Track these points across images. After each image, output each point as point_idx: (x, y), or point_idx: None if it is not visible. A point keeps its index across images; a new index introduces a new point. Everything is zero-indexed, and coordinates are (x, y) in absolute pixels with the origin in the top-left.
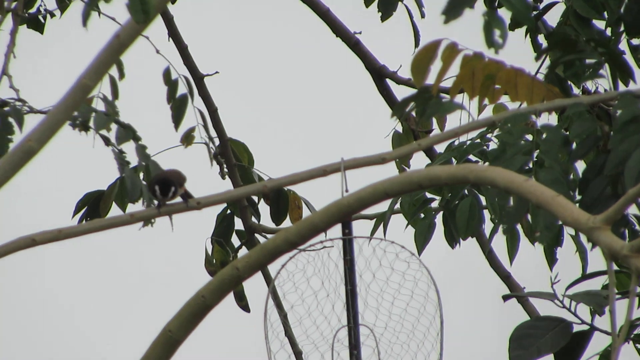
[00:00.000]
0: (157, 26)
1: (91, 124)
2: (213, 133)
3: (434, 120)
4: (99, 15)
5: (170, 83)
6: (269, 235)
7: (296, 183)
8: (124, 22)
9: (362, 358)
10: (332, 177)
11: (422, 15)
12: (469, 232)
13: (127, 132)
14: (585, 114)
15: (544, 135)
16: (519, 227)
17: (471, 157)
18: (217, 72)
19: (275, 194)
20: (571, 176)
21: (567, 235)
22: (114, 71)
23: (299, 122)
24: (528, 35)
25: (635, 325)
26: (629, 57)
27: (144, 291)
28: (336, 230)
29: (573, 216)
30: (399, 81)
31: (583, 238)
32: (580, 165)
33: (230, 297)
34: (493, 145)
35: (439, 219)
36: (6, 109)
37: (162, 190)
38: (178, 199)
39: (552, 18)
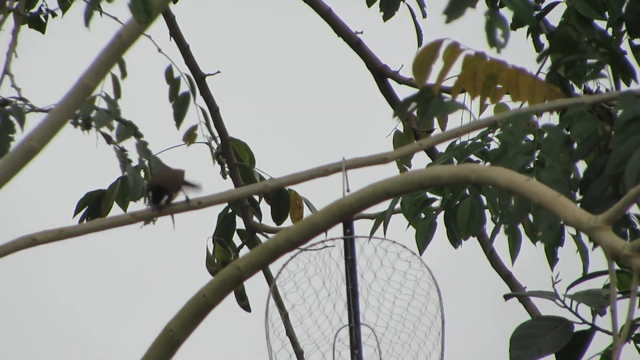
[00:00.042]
0: (159, 26)
1: (92, 122)
2: (215, 132)
3: (435, 120)
4: (101, 14)
5: (173, 81)
6: (270, 235)
7: (297, 183)
8: (126, 21)
9: (364, 358)
10: (333, 177)
11: (424, 15)
12: (470, 232)
13: (128, 129)
14: (587, 114)
15: (546, 135)
16: (520, 226)
17: (472, 157)
18: (218, 72)
19: (276, 194)
20: (572, 176)
21: (568, 235)
22: (116, 70)
23: (301, 122)
24: (530, 35)
25: (636, 325)
26: (630, 57)
27: (145, 291)
28: (337, 230)
29: (574, 216)
30: (401, 81)
31: (584, 238)
32: (582, 165)
33: (231, 297)
34: (494, 145)
35: (440, 219)
36: (8, 107)
37: (154, 197)
38: (179, 198)
39: (554, 18)
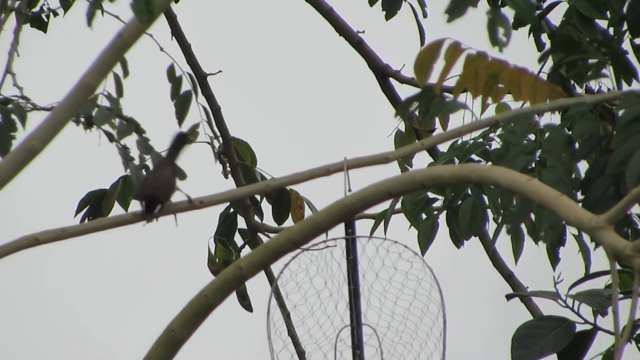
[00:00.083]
0: (160, 25)
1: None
2: (216, 131)
3: (437, 120)
4: (102, 14)
5: (174, 80)
6: (272, 235)
7: (299, 182)
8: (128, 20)
9: (365, 358)
10: (335, 176)
11: (425, 15)
12: (471, 231)
13: (130, 125)
14: (588, 114)
15: (547, 135)
16: (523, 226)
17: (474, 156)
18: (220, 71)
19: (278, 194)
20: (574, 176)
21: (570, 235)
22: (118, 69)
23: (302, 122)
24: (531, 35)
25: (638, 325)
26: (632, 57)
27: (146, 290)
28: (339, 230)
29: (576, 216)
30: (402, 80)
31: (586, 238)
32: (583, 165)
33: (232, 297)
34: (496, 144)
35: (441, 219)
36: (9, 106)
37: (147, 207)
38: (180, 197)
39: (555, 17)
